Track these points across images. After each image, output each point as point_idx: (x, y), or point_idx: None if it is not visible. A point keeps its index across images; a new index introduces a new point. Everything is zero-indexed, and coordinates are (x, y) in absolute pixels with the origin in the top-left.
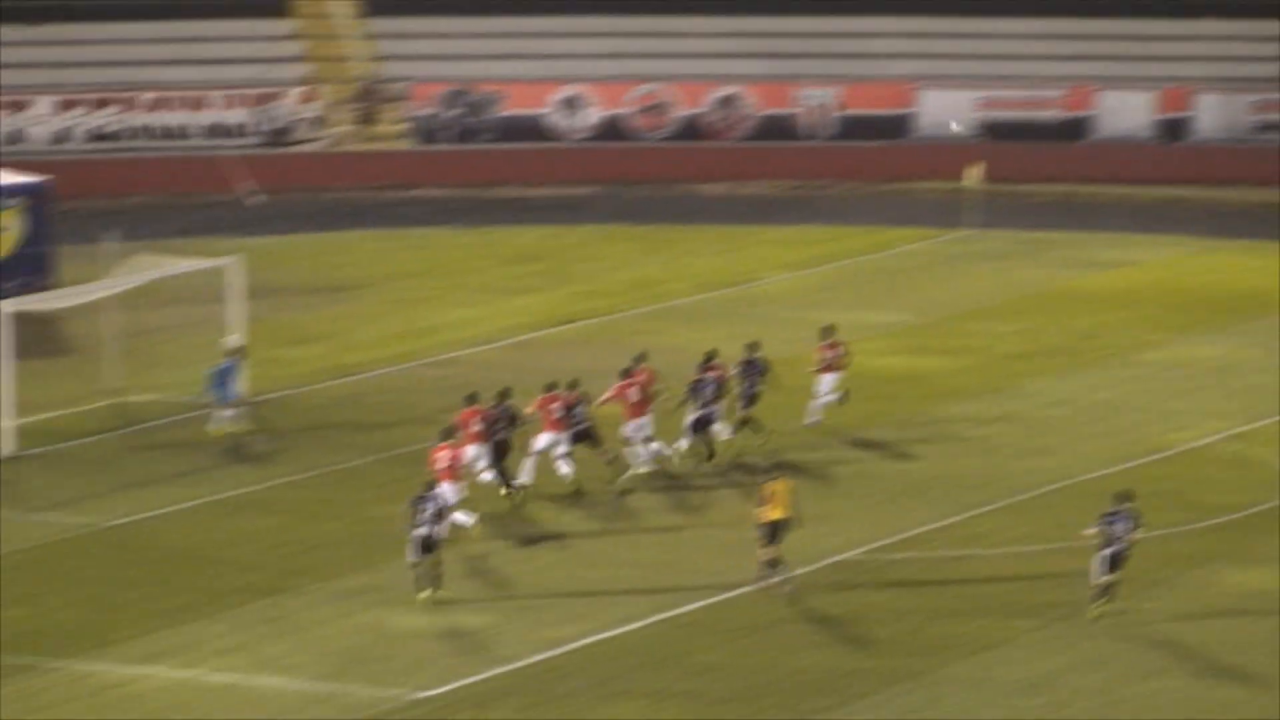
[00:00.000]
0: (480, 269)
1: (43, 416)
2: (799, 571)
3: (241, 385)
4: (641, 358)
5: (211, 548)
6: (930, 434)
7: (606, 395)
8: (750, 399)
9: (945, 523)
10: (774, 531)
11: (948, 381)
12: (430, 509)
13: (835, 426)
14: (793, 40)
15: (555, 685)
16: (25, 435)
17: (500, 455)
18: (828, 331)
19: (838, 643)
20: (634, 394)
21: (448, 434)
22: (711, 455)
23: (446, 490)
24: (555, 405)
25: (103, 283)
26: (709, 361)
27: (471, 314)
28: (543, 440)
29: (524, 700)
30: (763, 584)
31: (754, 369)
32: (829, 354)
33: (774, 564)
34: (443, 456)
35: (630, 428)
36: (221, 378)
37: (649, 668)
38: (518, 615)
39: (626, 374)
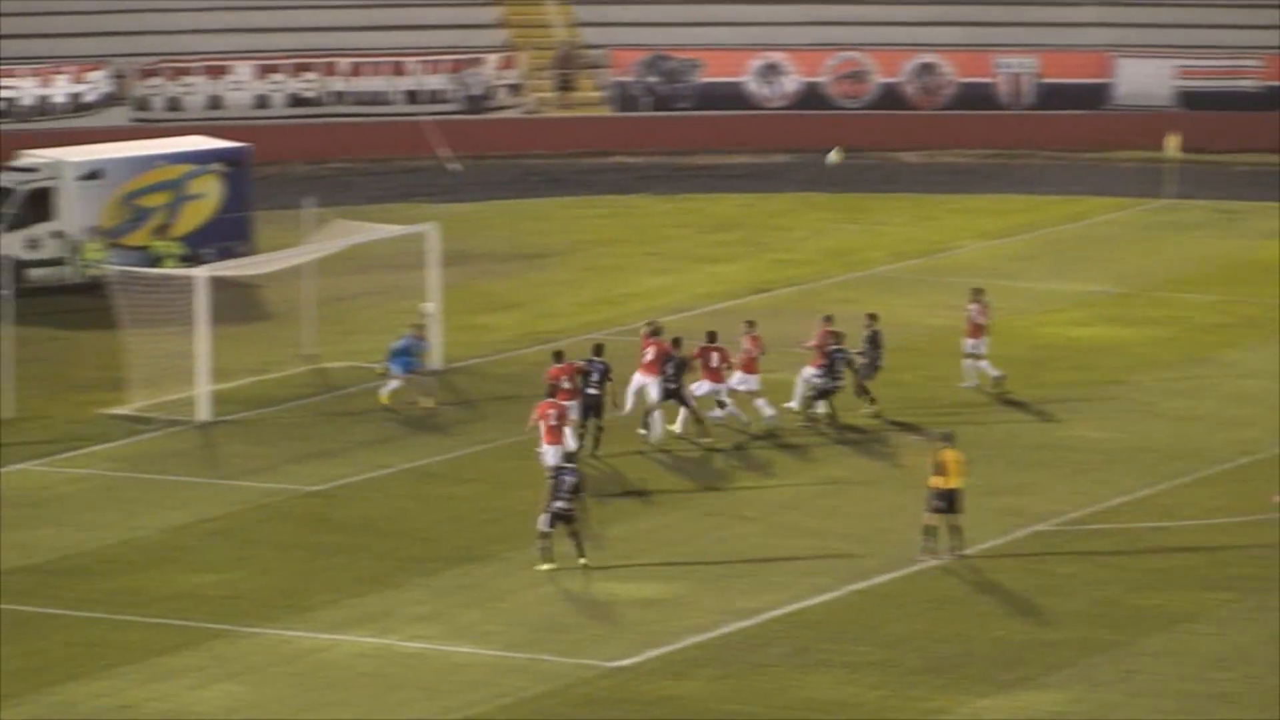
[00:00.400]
0: (677, 236)
1: (239, 382)
2: (995, 542)
3: (423, 359)
4: (751, 324)
5: (406, 516)
6: (1127, 404)
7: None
8: (873, 369)
9: (1141, 494)
10: (950, 501)
11: (1145, 352)
12: (569, 481)
13: (1031, 397)
14: (991, 9)
15: (750, 655)
16: (222, 401)
17: (588, 412)
18: (978, 293)
19: (1032, 614)
20: (714, 359)
21: (552, 392)
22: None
23: (548, 451)
24: (650, 349)
25: (300, 248)
26: (837, 337)
27: (668, 281)
28: (636, 384)
29: (718, 670)
30: (956, 554)
31: (876, 340)
32: (978, 316)
33: (932, 532)
34: (551, 414)
35: (703, 388)
36: (402, 352)
37: (843, 638)
38: (711, 585)
39: (711, 338)
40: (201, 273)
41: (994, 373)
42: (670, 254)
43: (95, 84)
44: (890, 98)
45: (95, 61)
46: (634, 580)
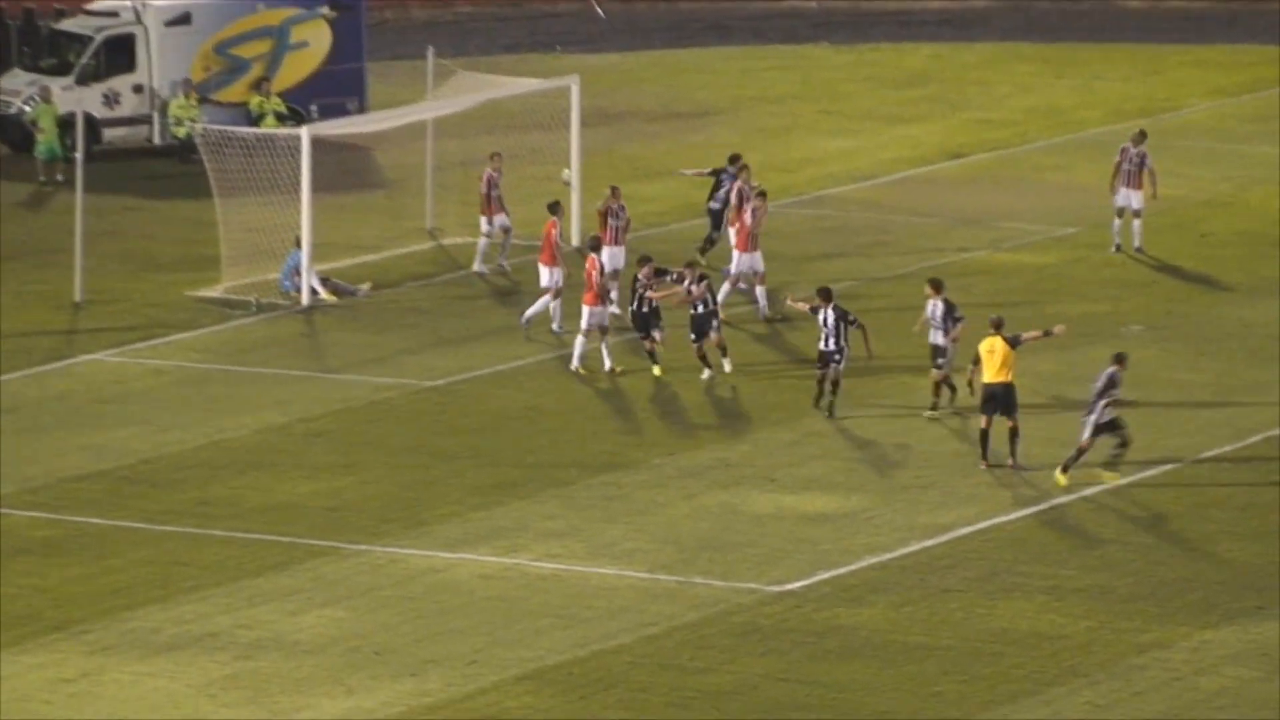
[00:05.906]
0: (858, 93)
1: (348, 262)
2: (1226, 449)
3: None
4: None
5: (540, 416)
6: None
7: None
8: None
9: None
10: (992, 400)
11: None
12: (832, 370)
13: (1265, 280)
14: None
15: (935, 579)
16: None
17: None
18: (1141, 137)
19: (1269, 533)
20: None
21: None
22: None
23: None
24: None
25: (420, 105)
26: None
27: (848, 145)
28: None
29: (899, 596)
30: (1013, 466)
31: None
32: (1129, 164)
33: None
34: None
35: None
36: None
37: (1045, 560)
38: (892, 498)
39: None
40: (306, 133)
41: (1136, 241)
42: (851, 113)
43: None
44: None
45: None
46: (802, 491)
